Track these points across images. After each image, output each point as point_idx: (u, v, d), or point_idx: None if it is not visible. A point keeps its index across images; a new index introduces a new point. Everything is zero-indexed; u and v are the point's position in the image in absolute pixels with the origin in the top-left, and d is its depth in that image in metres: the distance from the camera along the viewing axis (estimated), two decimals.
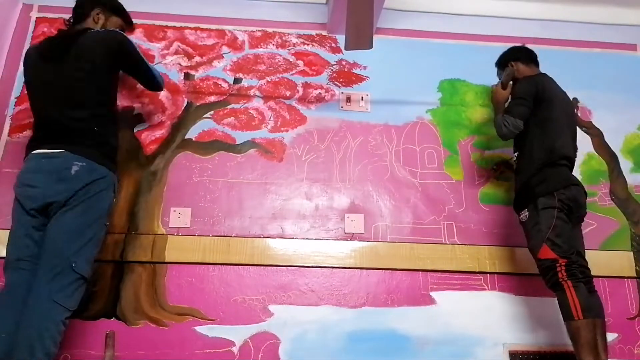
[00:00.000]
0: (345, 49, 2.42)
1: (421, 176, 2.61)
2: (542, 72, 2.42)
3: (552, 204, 2.09)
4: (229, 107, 2.66)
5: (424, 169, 2.62)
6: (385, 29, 2.87)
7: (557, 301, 2.05)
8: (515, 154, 2.33)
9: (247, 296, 2.31)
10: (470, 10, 2.96)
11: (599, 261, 2.39)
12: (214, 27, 2.81)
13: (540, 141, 2.21)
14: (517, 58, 2.45)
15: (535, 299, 2.41)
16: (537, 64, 2.47)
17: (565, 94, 2.37)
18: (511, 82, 2.40)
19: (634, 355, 2.38)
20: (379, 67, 2.79)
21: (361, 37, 2.34)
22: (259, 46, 2.80)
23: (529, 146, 2.23)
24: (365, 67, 2.79)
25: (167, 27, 2.79)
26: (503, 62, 2.49)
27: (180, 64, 2.71)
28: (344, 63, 2.80)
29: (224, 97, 2.68)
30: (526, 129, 2.24)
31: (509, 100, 2.36)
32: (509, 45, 2.67)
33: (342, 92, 2.73)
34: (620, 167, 2.73)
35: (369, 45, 2.38)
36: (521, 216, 2.20)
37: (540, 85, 2.28)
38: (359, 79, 2.77)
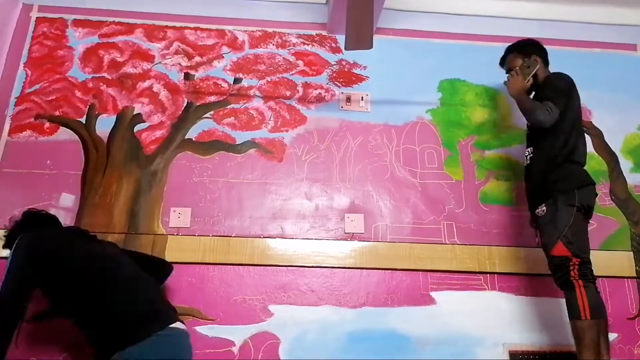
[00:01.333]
0: (345, 49, 2.42)
1: (421, 176, 2.61)
2: None
3: (572, 201, 2.07)
4: (229, 107, 2.66)
5: (424, 169, 2.62)
6: (385, 29, 2.87)
7: (564, 300, 2.03)
8: (529, 149, 2.29)
9: (247, 296, 2.31)
10: (470, 10, 2.96)
11: (599, 261, 2.36)
12: (214, 27, 2.81)
13: (566, 139, 2.17)
14: (541, 56, 2.38)
15: (535, 299, 2.41)
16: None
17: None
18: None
19: (634, 355, 2.38)
20: (379, 67, 2.79)
21: (361, 37, 2.33)
22: (259, 46, 2.80)
23: (552, 142, 2.18)
24: (365, 67, 2.79)
25: (167, 27, 2.79)
26: (527, 51, 2.38)
27: (180, 64, 2.71)
28: (344, 63, 2.80)
29: (224, 97, 2.68)
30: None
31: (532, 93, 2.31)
32: (509, 45, 2.65)
33: (342, 92, 2.73)
34: (620, 167, 2.74)
35: (369, 45, 2.37)
36: (537, 210, 2.17)
37: (574, 86, 2.26)
38: (359, 79, 2.77)
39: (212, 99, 2.67)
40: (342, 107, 2.70)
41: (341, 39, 2.82)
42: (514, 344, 2.34)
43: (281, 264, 2.38)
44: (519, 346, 2.34)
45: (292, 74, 2.75)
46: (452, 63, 2.85)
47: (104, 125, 2.55)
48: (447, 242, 2.48)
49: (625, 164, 2.75)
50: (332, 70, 2.78)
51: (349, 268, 2.40)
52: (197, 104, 2.64)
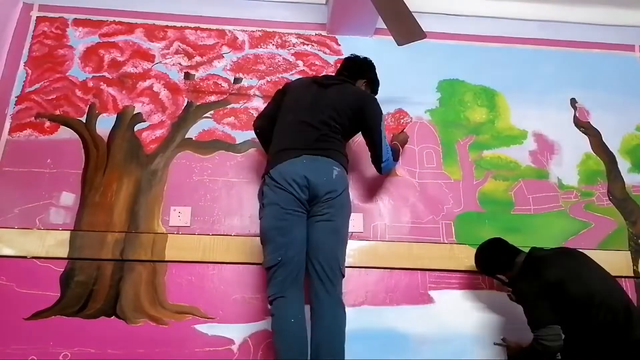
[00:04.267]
0: (398, 45, 2.34)
1: (420, 176, 2.62)
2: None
3: None
4: (229, 106, 2.67)
5: (423, 169, 2.63)
6: (385, 29, 2.86)
7: None
8: None
9: (246, 295, 2.32)
10: (469, 11, 2.98)
11: (597, 261, 2.39)
12: (214, 27, 2.82)
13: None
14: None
15: None
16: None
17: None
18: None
19: None
20: (379, 67, 2.78)
21: (408, 29, 2.20)
22: (259, 46, 2.81)
23: None
24: None
25: (167, 27, 2.80)
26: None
27: (180, 64, 2.72)
28: None
29: (224, 96, 2.69)
30: None
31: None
32: (508, 45, 2.65)
33: None
34: (618, 168, 2.75)
35: (421, 34, 2.22)
36: None
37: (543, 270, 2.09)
38: None
39: (212, 98, 2.68)
40: None
41: (341, 39, 2.85)
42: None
43: None
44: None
45: (292, 74, 2.76)
46: (451, 63, 2.86)
47: (104, 125, 2.56)
48: (446, 242, 2.49)
49: (624, 164, 2.76)
50: (331, 70, 2.79)
51: (348, 267, 2.38)
52: (198, 103, 2.65)
